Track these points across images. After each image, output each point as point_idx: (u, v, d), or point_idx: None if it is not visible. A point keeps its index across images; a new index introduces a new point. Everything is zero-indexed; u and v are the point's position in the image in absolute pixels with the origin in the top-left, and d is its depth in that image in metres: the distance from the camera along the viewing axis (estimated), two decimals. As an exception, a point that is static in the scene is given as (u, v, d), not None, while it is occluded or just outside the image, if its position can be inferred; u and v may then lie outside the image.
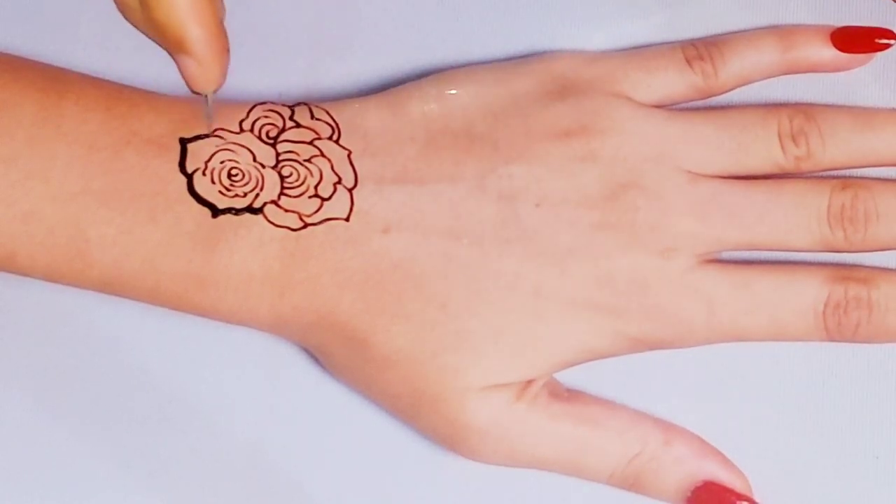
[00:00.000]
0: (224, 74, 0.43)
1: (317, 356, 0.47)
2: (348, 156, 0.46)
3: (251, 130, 0.46)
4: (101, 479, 0.47)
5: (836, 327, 0.46)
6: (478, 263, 0.45)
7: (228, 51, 0.43)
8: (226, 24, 0.49)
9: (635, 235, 0.46)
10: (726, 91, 0.48)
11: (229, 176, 0.45)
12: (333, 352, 0.46)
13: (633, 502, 0.47)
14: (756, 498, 0.46)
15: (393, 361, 0.45)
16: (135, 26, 0.43)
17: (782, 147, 0.47)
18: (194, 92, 0.44)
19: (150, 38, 0.43)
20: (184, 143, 0.45)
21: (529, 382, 0.46)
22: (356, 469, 0.48)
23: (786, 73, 0.48)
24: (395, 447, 0.48)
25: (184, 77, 0.43)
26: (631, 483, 0.46)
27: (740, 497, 0.46)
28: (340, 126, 0.46)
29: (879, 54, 0.48)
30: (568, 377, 0.47)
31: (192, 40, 0.42)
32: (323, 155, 0.46)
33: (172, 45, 0.42)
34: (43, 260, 0.45)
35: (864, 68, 0.48)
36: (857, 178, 0.47)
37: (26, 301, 0.48)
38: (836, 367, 0.48)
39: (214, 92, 0.44)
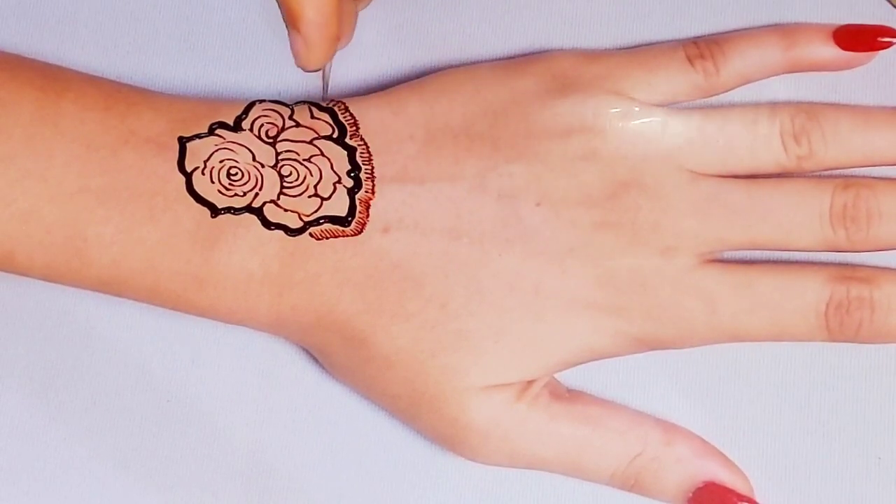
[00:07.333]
0: (327, 60, 0.46)
1: (317, 356, 0.47)
2: (348, 155, 0.46)
3: (251, 129, 0.46)
4: (99, 479, 0.47)
5: (839, 327, 0.46)
6: (478, 263, 0.45)
7: (338, 39, 0.46)
8: (227, 23, 0.50)
9: (636, 235, 0.45)
10: (728, 90, 0.48)
11: (228, 175, 0.45)
12: (333, 352, 0.46)
13: None
14: (757, 498, 0.46)
15: (392, 361, 0.45)
16: None
17: (784, 146, 0.47)
18: (298, 65, 0.46)
19: None
20: (182, 141, 0.45)
21: (530, 383, 0.46)
22: (356, 469, 0.48)
23: (787, 72, 0.48)
24: (395, 447, 0.48)
25: (291, 49, 0.45)
26: (632, 484, 0.46)
27: (741, 498, 0.46)
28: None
29: (881, 53, 0.48)
30: (568, 377, 0.47)
31: (305, 21, 0.44)
32: (323, 154, 0.46)
33: (287, 19, 0.45)
34: (41, 259, 0.44)
35: (866, 67, 0.48)
36: (859, 177, 0.47)
37: (26, 301, 0.48)
38: (838, 368, 0.48)
39: (320, 70, 0.46)
